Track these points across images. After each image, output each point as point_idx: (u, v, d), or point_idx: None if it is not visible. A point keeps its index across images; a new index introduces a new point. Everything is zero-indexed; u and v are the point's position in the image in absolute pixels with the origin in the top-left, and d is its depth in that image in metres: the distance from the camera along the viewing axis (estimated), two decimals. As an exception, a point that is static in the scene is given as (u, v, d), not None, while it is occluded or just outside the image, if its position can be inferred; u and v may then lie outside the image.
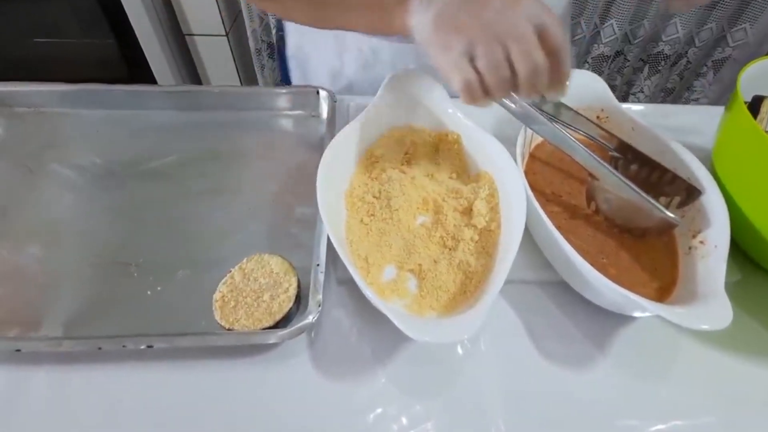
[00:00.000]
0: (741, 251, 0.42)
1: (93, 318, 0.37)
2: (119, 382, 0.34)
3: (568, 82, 0.35)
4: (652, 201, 0.38)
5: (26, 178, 0.46)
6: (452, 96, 0.45)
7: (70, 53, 1.22)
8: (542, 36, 0.32)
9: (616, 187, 0.38)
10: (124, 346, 0.33)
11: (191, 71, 1.30)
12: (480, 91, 0.34)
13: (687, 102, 1.26)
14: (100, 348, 0.33)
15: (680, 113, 0.58)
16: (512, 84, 0.33)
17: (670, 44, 1.14)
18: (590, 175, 0.40)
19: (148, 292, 0.38)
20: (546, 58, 0.32)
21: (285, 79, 0.71)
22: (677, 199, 0.40)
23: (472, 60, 0.32)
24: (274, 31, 1.20)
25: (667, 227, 0.39)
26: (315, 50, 0.61)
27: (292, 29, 0.63)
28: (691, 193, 0.39)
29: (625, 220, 0.40)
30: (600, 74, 0.77)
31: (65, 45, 1.20)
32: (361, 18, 0.42)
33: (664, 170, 0.41)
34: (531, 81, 0.33)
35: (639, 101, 1.28)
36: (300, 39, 0.62)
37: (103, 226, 0.43)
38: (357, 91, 0.60)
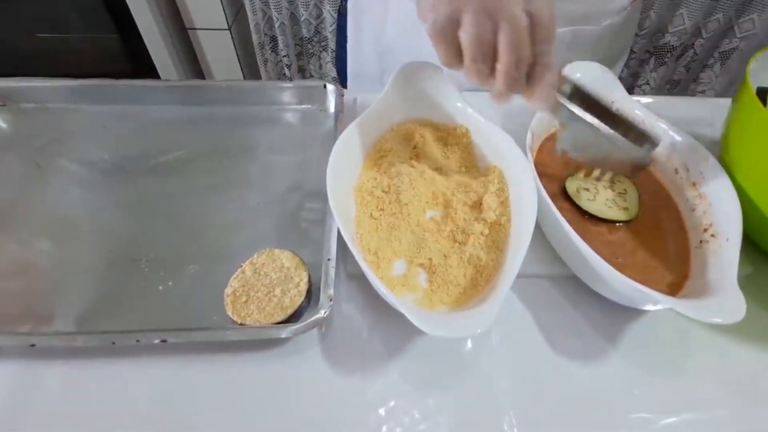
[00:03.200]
0: (752, 244, 0.42)
1: (104, 313, 0.37)
2: (132, 377, 0.34)
3: (550, 88, 0.32)
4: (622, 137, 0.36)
5: (35, 174, 0.46)
6: (462, 89, 0.45)
7: (73, 48, 1.22)
8: (532, 22, 0.29)
9: (583, 131, 0.37)
10: (137, 341, 0.33)
11: (194, 66, 1.30)
12: (456, 62, 0.31)
13: (693, 94, 1.25)
14: (113, 343, 0.33)
15: (688, 105, 0.58)
16: (491, 68, 0.30)
17: (676, 36, 1.13)
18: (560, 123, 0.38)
19: (159, 287, 0.39)
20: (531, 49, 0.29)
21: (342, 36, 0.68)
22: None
23: (457, 27, 0.30)
24: (276, 24, 1.20)
25: (638, 168, 0.38)
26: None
27: None
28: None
29: (595, 163, 0.40)
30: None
31: (68, 40, 1.20)
32: None
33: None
34: (511, 71, 0.30)
35: (645, 93, 1.27)
36: None
37: (112, 221, 0.43)
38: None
